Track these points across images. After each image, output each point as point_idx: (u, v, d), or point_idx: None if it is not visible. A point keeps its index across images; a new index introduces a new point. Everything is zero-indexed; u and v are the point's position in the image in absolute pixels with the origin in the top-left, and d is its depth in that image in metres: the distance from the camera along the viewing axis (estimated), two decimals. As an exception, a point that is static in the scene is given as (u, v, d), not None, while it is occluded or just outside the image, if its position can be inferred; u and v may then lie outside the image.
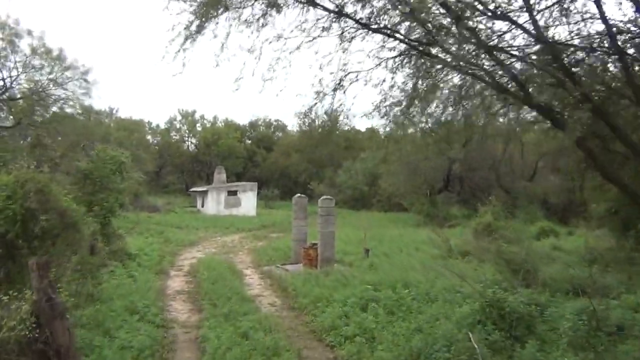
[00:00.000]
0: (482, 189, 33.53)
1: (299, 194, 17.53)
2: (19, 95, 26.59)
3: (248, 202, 39.51)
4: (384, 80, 10.37)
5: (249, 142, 70.62)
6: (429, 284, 11.92)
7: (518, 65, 9.67)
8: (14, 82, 25.87)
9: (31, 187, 8.22)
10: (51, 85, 26.95)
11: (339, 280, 12.96)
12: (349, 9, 9.18)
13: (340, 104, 10.70)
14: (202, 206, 40.44)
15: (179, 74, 9.51)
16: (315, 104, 10.36)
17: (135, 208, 36.05)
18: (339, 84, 9.87)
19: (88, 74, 27.95)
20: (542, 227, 23.11)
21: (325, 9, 9.17)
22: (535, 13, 8.77)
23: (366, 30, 9.38)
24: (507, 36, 9.49)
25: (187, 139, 67.26)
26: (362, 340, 8.48)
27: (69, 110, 31.99)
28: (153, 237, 22.69)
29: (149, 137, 64.69)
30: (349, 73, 9.82)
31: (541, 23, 8.96)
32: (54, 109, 30.70)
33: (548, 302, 9.83)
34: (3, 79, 25.17)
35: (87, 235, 9.48)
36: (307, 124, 61.02)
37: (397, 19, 9.13)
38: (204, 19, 8.96)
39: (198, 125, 67.15)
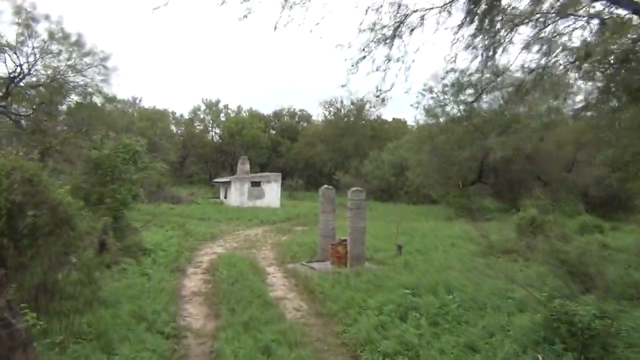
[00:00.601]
0: (518, 180, 31.82)
1: (326, 185, 16.21)
2: (36, 82, 25.72)
3: (272, 193, 38.39)
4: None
5: (273, 132, 69.64)
6: (473, 287, 10.51)
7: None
8: (32, 69, 25.01)
9: (17, 177, 7.06)
10: (70, 72, 26.03)
11: (372, 281, 11.66)
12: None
13: (402, 55, 8.87)
14: (225, 197, 39.49)
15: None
16: (364, 57, 8.64)
17: (157, 199, 35.39)
18: (399, 25, 8.21)
19: (107, 60, 27.00)
20: (584, 222, 21.35)
21: None
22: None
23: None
24: None
25: (211, 129, 66.58)
26: (404, 360, 7.18)
27: (94, 99, 31.31)
28: (173, 230, 21.71)
29: (172, 127, 64.14)
30: (414, 11, 8.12)
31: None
32: (75, 97, 29.89)
33: (617, 312, 8.38)
34: (20, 65, 24.32)
35: (86, 232, 8.27)
36: (332, 113, 59.78)
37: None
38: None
39: (222, 115, 66.39)
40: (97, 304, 9.18)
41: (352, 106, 58.96)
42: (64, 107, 32.69)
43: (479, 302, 9.62)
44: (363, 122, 59.80)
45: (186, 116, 65.97)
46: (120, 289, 10.39)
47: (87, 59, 26.73)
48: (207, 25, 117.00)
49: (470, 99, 29.85)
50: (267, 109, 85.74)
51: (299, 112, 73.94)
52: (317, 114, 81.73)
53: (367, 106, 58.69)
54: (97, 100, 35.81)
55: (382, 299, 9.87)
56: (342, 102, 59.24)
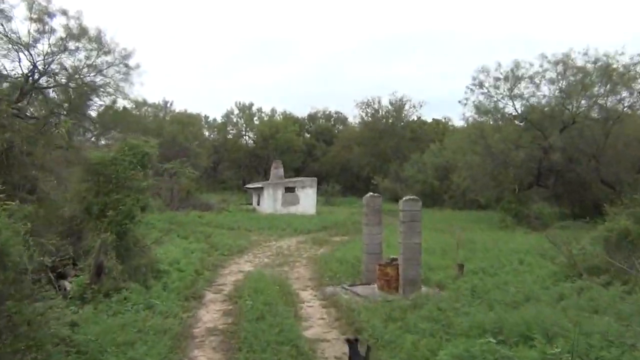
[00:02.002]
0: (580, 183, 28.44)
1: (371, 193, 13.59)
2: (53, 82, 23.93)
3: (307, 199, 35.90)
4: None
5: (308, 135, 67.35)
6: (577, 329, 7.70)
7: None
8: (48, 68, 23.19)
9: None
10: (88, 71, 24.15)
11: (437, 318, 8.98)
12: None
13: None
14: (258, 204, 37.22)
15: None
16: None
17: (186, 207, 33.40)
18: None
19: (129, 58, 24.99)
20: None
21: None
22: None
23: None
24: None
25: (244, 133, 64.67)
26: None
27: (122, 102, 29.68)
28: (197, 243, 19.46)
29: (205, 131, 62.50)
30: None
31: None
32: (98, 100, 28.09)
33: None
34: (34, 64, 22.51)
35: (31, 268, 5.82)
36: (369, 114, 57.10)
37: None
38: None
39: (255, 118, 64.44)
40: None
41: (390, 107, 56.11)
42: (91, 112, 31.21)
43: (595, 355, 6.88)
44: (402, 123, 56.88)
45: (219, 120, 64.30)
46: (111, 330, 8.00)
47: (108, 58, 24.77)
48: (240, 27, 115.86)
49: (526, 93, 26.88)
50: (301, 112, 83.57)
51: (334, 115, 71.49)
52: (354, 116, 78.91)
53: (407, 106, 55.77)
54: (126, 103, 34.22)
55: (458, 350, 7.19)
56: (379, 102, 56.48)
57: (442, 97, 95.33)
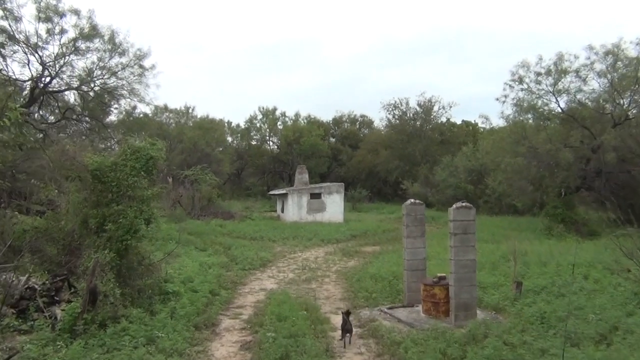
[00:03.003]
0: (630, 185, 26.03)
1: (412, 199, 11.62)
2: (64, 86, 22.66)
3: (334, 205, 34.06)
4: None
5: (333, 140, 65.67)
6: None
7: None
8: (60, 70, 21.92)
9: None
10: (102, 73, 22.80)
11: (506, 358, 7.09)
12: None
13: None
14: (282, 211, 35.54)
15: None
16: None
17: (208, 215, 31.94)
18: None
19: (144, 59, 23.58)
20: None
21: None
22: None
23: None
24: None
25: (268, 138, 63.29)
26: None
27: (142, 107, 28.68)
28: (215, 256, 17.81)
29: (228, 137, 61.29)
30: None
31: None
32: (116, 104, 26.85)
33: None
34: (44, 65, 21.22)
35: None
36: (396, 117, 55.10)
37: None
38: None
39: (279, 123, 63.01)
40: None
41: (418, 108, 53.95)
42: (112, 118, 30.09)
43: None
44: (430, 125, 54.65)
45: (242, 126, 63.00)
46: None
47: (122, 59, 23.42)
48: (260, 32, 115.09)
49: (572, 88, 24.65)
50: (326, 116, 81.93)
51: (360, 118, 69.69)
52: (380, 119, 76.90)
53: (436, 107, 53.52)
54: (147, 109, 33.03)
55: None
56: (407, 103, 54.38)
57: (474, 99, 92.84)
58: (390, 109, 54.88)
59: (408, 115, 54.54)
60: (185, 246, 19.33)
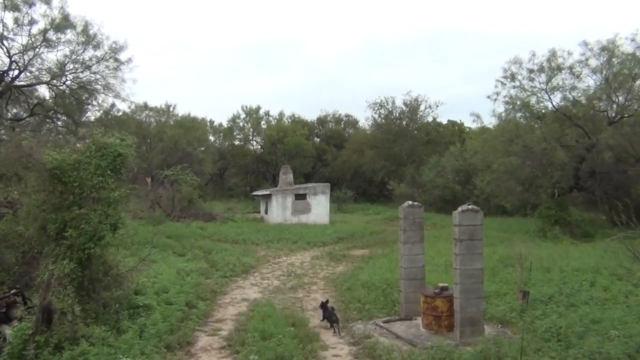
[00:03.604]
0: (623, 186, 25.36)
1: (409, 202, 10.58)
2: (34, 79, 21.27)
3: (319, 207, 32.97)
4: None
5: (318, 139, 64.55)
6: None
7: None
8: (29, 63, 20.52)
9: None
10: (75, 68, 21.46)
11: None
12: None
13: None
14: (266, 212, 34.35)
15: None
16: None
17: (188, 217, 30.67)
18: None
19: (120, 52, 22.25)
20: None
21: None
22: None
23: None
24: None
25: (251, 137, 61.93)
26: None
27: (121, 105, 27.36)
28: (195, 262, 16.64)
29: (210, 136, 59.82)
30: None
31: None
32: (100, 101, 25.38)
33: None
34: (11, 57, 19.82)
35: None
36: (382, 116, 54.18)
37: None
38: None
39: (263, 122, 61.62)
40: None
41: (404, 107, 53.01)
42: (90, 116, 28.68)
43: None
44: (416, 125, 53.72)
45: (225, 125, 61.44)
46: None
47: (97, 52, 22.08)
48: (242, 32, 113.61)
49: (565, 85, 23.90)
50: (310, 115, 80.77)
51: (344, 118, 68.66)
52: (366, 118, 75.99)
53: (422, 106, 52.66)
54: (125, 106, 31.64)
55: None
56: (393, 102, 53.39)
57: (452, 100, 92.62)
58: (376, 108, 53.88)
59: (394, 114, 53.63)
60: (163, 251, 18.17)
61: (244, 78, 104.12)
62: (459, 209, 8.69)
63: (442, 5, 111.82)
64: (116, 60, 22.04)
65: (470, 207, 8.66)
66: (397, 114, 53.62)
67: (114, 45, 22.05)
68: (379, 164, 51.03)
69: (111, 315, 8.84)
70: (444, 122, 58.53)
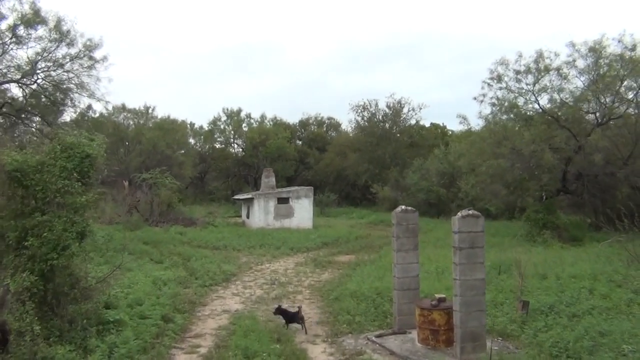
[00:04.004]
0: (609, 188, 25.06)
1: (403, 206, 9.91)
2: (2, 77, 20.19)
3: (303, 211, 32.24)
4: None
5: (300, 142, 63.87)
6: None
7: None
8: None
9: None
10: (47, 65, 20.45)
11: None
12: None
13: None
14: (248, 217, 33.51)
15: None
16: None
17: (167, 221, 29.71)
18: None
19: (95, 50, 21.28)
20: None
21: None
22: None
23: None
24: None
25: (232, 140, 60.92)
26: None
27: (97, 106, 26.30)
28: (173, 269, 15.80)
29: (190, 139, 58.71)
30: None
31: None
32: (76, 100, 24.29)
33: None
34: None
35: None
36: (366, 118, 53.68)
37: None
38: None
39: (244, 125, 60.67)
40: None
41: (388, 110, 52.58)
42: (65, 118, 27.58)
43: None
44: (399, 127, 53.27)
45: (205, 128, 60.35)
46: None
47: (71, 50, 21.10)
48: (226, 30, 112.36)
49: (553, 87, 23.53)
50: (292, 118, 79.93)
51: (327, 121, 68.11)
52: (349, 120, 75.44)
53: (406, 109, 52.27)
54: (101, 108, 30.51)
55: None
56: (377, 105, 52.92)
57: (443, 101, 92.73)
58: (359, 111, 53.39)
59: (377, 117, 53.17)
60: (139, 258, 17.31)
61: (224, 81, 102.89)
62: (459, 214, 8.06)
63: (418, 11, 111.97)
64: (91, 58, 21.09)
65: (470, 212, 8.03)
66: (381, 117, 53.20)
67: (88, 43, 21.09)
68: (363, 167, 50.53)
69: (77, 332, 8.02)
70: (427, 125, 58.29)
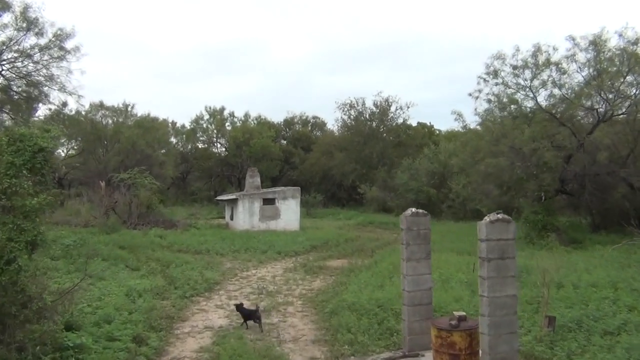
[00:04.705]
0: (603, 187, 24.11)
1: (413, 209, 8.55)
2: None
3: (289, 212, 30.88)
4: None
5: (284, 142, 62.47)
6: None
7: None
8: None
9: None
10: (12, 55, 18.86)
11: None
12: None
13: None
14: (232, 218, 32.06)
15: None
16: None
17: (147, 224, 28.17)
18: None
19: (67, 40, 19.71)
20: None
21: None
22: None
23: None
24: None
25: (215, 139, 59.27)
26: None
27: (74, 104, 24.68)
28: (150, 278, 14.40)
29: (172, 138, 56.93)
30: None
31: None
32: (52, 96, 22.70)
33: None
34: None
35: None
36: (352, 117, 52.47)
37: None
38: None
39: (227, 124, 59.07)
40: None
41: (375, 108, 51.41)
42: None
43: None
44: (383, 127, 52.10)
45: (188, 126, 58.55)
46: None
47: (40, 41, 19.52)
48: (208, 29, 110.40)
49: (551, 82, 22.52)
50: (277, 117, 78.48)
51: (312, 120, 66.82)
52: (336, 119, 74.18)
53: (393, 107, 51.16)
54: (72, 101, 28.80)
55: None
56: (364, 103, 51.72)
57: (429, 100, 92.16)
58: (346, 109, 52.17)
59: (364, 115, 52.00)
60: (114, 265, 15.84)
61: (206, 81, 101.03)
62: (486, 218, 6.80)
63: (401, 12, 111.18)
64: (61, 48, 19.50)
65: (500, 216, 6.77)
66: (368, 115, 52.06)
67: (59, 33, 19.53)
68: (349, 166, 49.34)
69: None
70: (414, 124, 57.33)
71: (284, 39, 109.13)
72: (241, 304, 10.44)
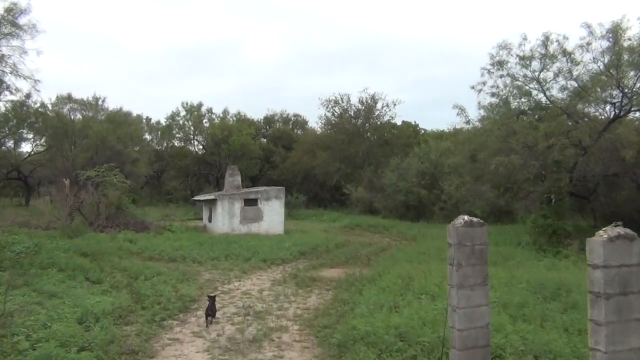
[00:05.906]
0: (611, 188, 22.49)
1: (464, 217, 6.33)
2: None
3: (273, 214, 28.59)
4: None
5: (264, 140, 60.21)
6: None
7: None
8: None
9: None
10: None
11: None
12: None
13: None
14: (210, 220, 29.64)
15: None
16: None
17: (116, 226, 25.62)
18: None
19: (21, 15, 17.10)
20: None
21: None
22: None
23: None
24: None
25: (192, 137, 56.66)
26: None
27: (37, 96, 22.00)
28: (113, 294, 11.97)
29: (146, 135, 54.17)
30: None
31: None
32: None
33: None
34: None
35: None
36: (337, 114, 50.37)
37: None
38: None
39: (205, 120, 56.52)
40: None
41: (361, 105, 49.38)
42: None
43: None
44: (369, 125, 50.09)
45: (163, 123, 55.77)
46: None
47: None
48: (187, 22, 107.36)
49: (562, 74, 20.67)
50: (257, 114, 76.06)
51: (293, 118, 64.69)
52: (319, 116, 72.20)
53: (379, 105, 49.20)
54: (42, 96, 26.14)
55: None
56: (349, 100, 49.62)
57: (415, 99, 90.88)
58: (330, 106, 50.00)
59: (349, 112, 49.92)
60: (71, 277, 13.34)
61: (182, 82, 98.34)
62: (603, 235, 4.64)
63: (377, 14, 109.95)
64: (14, 24, 16.84)
65: (620, 230, 4.62)
66: (353, 113, 50.01)
67: (10, 7, 16.86)
68: (333, 166, 47.27)
69: None
70: (399, 123, 55.60)
71: (260, 41, 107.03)
72: (215, 296, 10.55)
